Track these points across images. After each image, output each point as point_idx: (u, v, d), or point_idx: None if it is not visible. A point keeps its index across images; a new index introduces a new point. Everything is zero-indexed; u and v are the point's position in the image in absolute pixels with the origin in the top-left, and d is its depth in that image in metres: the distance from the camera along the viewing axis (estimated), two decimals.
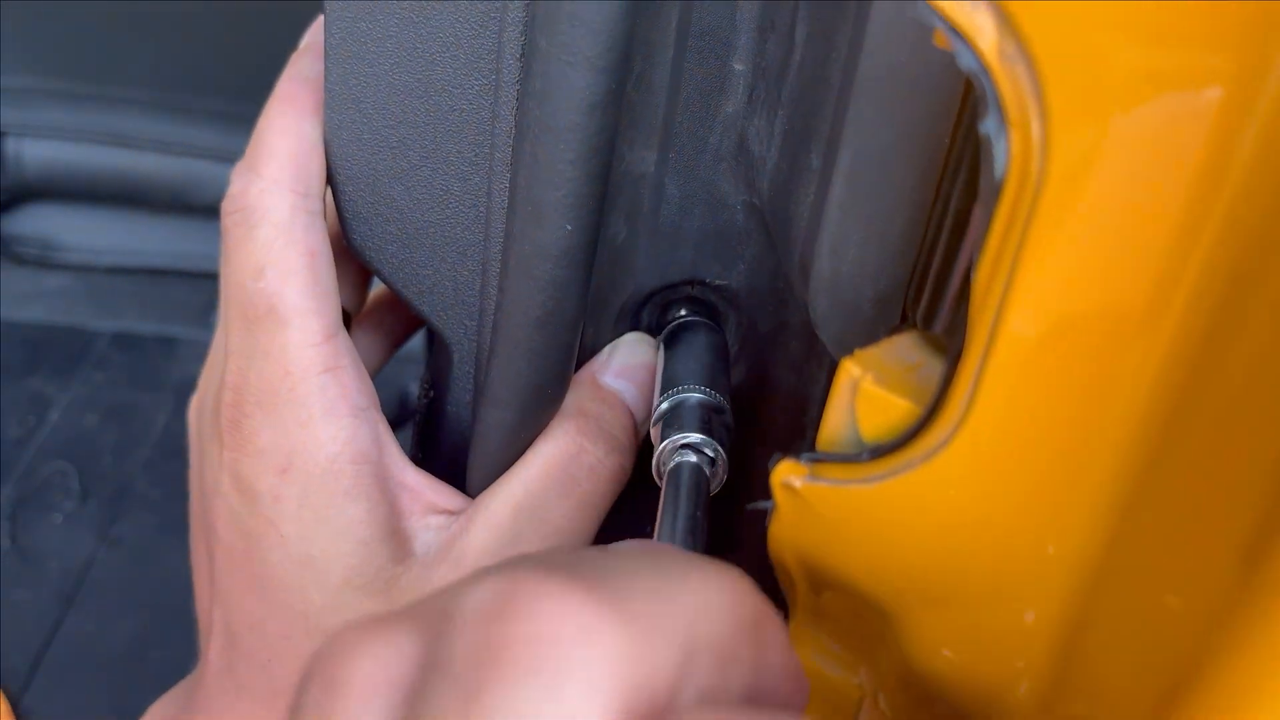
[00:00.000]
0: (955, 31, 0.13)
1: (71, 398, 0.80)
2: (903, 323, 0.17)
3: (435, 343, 0.29)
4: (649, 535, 0.22)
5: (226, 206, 0.25)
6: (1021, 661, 0.15)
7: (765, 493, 0.24)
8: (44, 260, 0.90)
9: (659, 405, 0.23)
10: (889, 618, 0.16)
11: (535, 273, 0.22)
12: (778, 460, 0.16)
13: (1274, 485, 0.11)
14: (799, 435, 0.26)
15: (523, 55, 0.22)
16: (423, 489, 0.25)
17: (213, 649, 0.26)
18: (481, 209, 0.25)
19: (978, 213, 0.14)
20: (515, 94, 0.23)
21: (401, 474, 0.25)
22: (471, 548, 0.23)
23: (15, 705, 0.59)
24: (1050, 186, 0.13)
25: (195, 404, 0.28)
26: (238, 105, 0.95)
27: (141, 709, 0.64)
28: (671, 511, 0.20)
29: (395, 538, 0.24)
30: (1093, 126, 0.12)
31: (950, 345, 0.14)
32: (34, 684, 0.61)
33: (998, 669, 0.15)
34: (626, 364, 0.26)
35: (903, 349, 0.16)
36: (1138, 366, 0.13)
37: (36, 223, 0.89)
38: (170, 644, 0.64)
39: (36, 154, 0.87)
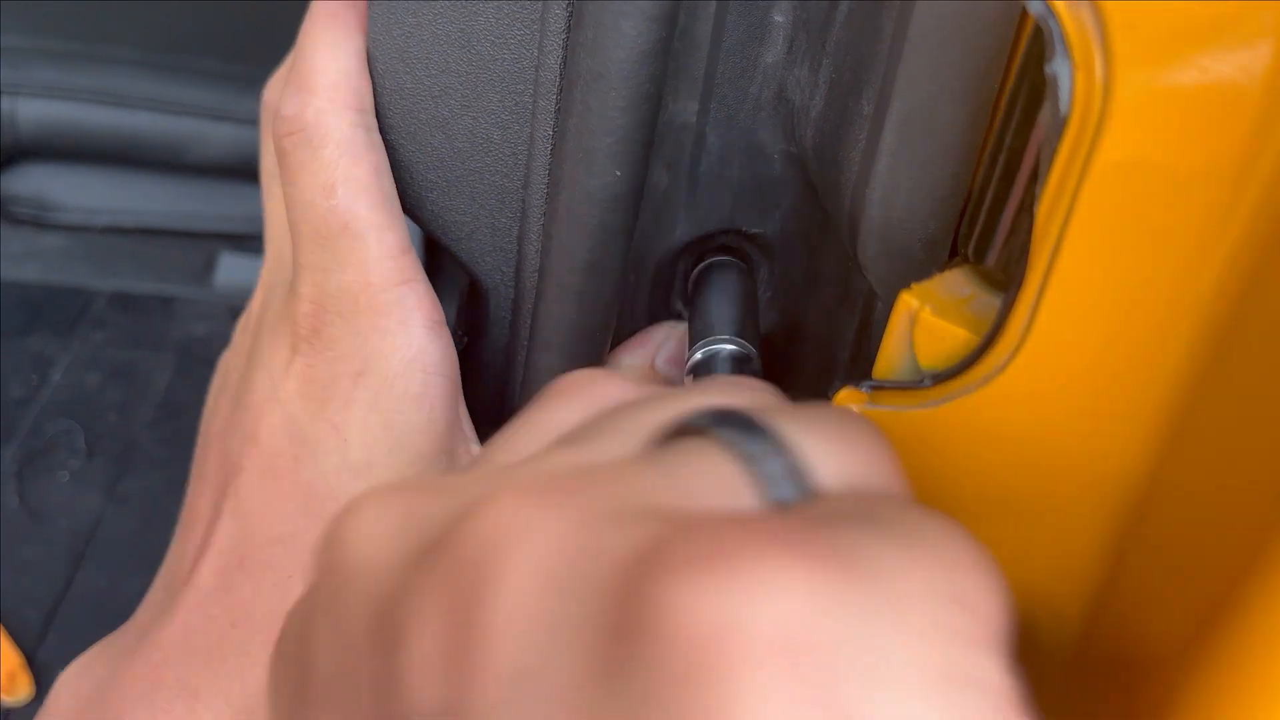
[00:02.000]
0: None
1: (72, 357, 0.80)
2: (952, 258, 0.18)
3: (471, 290, 0.30)
4: None
5: (282, 129, 0.25)
6: (1067, 580, 0.16)
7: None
8: (39, 220, 0.90)
9: (692, 356, 0.24)
10: None
11: (584, 218, 0.23)
12: (838, 388, 0.17)
13: None
14: (827, 378, 0.27)
15: (570, 5, 0.23)
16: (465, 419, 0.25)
17: (204, 571, 0.25)
18: (521, 156, 0.26)
19: (1037, 150, 0.15)
20: (561, 43, 0.23)
21: (462, 396, 0.25)
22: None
23: (30, 660, 0.60)
24: (1112, 123, 0.14)
25: (248, 320, 0.28)
26: (232, 64, 0.95)
27: None
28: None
29: (447, 457, 0.24)
30: (1153, 67, 0.13)
31: (1009, 277, 0.15)
32: (47, 640, 0.62)
33: (1045, 587, 0.17)
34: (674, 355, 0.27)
35: (955, 283, 0.17)
36: (1190, 296, 0.14)
37: (31, 182, 0.88)
38: None
39: (31, 113, 0.87)
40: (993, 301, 0.16)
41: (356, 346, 0.24)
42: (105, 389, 0.78)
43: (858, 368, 0.24)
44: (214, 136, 0.91)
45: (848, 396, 0.17)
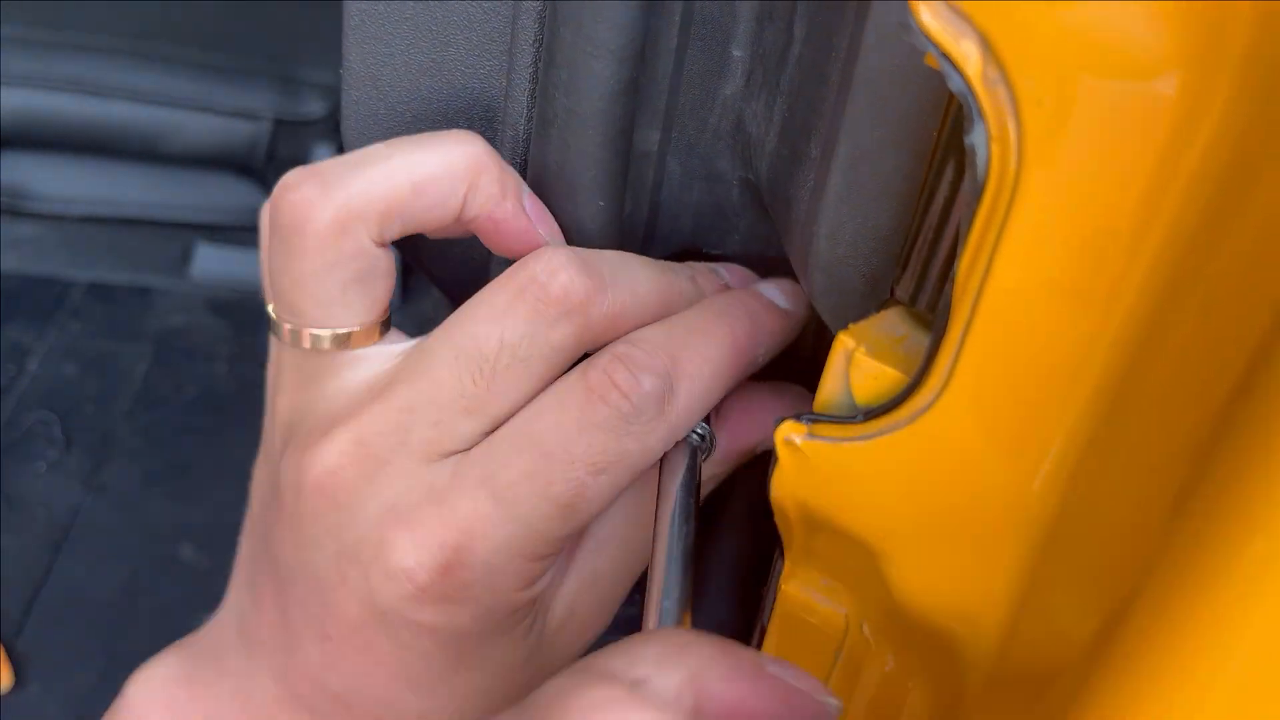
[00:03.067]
0: (945, 58, 0.15)
1: (49, 347, 0.81)
2: (890, 299, 0.19)
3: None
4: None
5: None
6: (986, 600, 0.18)
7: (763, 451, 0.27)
8: (16, 209, 0.90)
9: None
10: (876, 556, 0.18)
11: (573, 245, 0.24)
12: (780, 420, 0.19)
13: (1195, 450, 0.13)
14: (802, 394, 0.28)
15: (542, 47, 0.24)
16: None
17: (268, 595, 0.24)
18: None
19: (962, 208, 0.16)
20: (529, 75, 0.25)
21: None
22: None
23: (10, 650, 0.61)
24: (1024, 189, 0.15)
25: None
26: (209, 55, 0.95)
27: (133, 651, 0.67)
28: (672, 476, 0.22)
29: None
30: (1062, 140, 0.15)
31: (935, 322, 0.17)
32: (26, 629, 0.63)
33: (965, 606, 0.18)
34: None
35: (890, 323, 0.19)
36: (1097, 339, 0.16)
37: (8, 172, 0.88)
38: (159, 589, 0.66)
39: (8, 103, 0.86)
40: (924, 342, 0.18)
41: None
42: (83, 379, 0.79)
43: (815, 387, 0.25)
44: (191, 127, 0.91)
45: (789, 428, 0.18)
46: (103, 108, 0.93)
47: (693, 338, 0.22)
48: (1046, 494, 0.17)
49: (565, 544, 0.22)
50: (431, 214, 0.22)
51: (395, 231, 0.22)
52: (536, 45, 0.24)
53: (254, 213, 1.17)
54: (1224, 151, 0.13)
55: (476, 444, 0.21)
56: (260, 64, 0.98)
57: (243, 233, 0.96)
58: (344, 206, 0.21)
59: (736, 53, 0.25)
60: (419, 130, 0.26)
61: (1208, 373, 0.14)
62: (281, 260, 0.22)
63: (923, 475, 0.17)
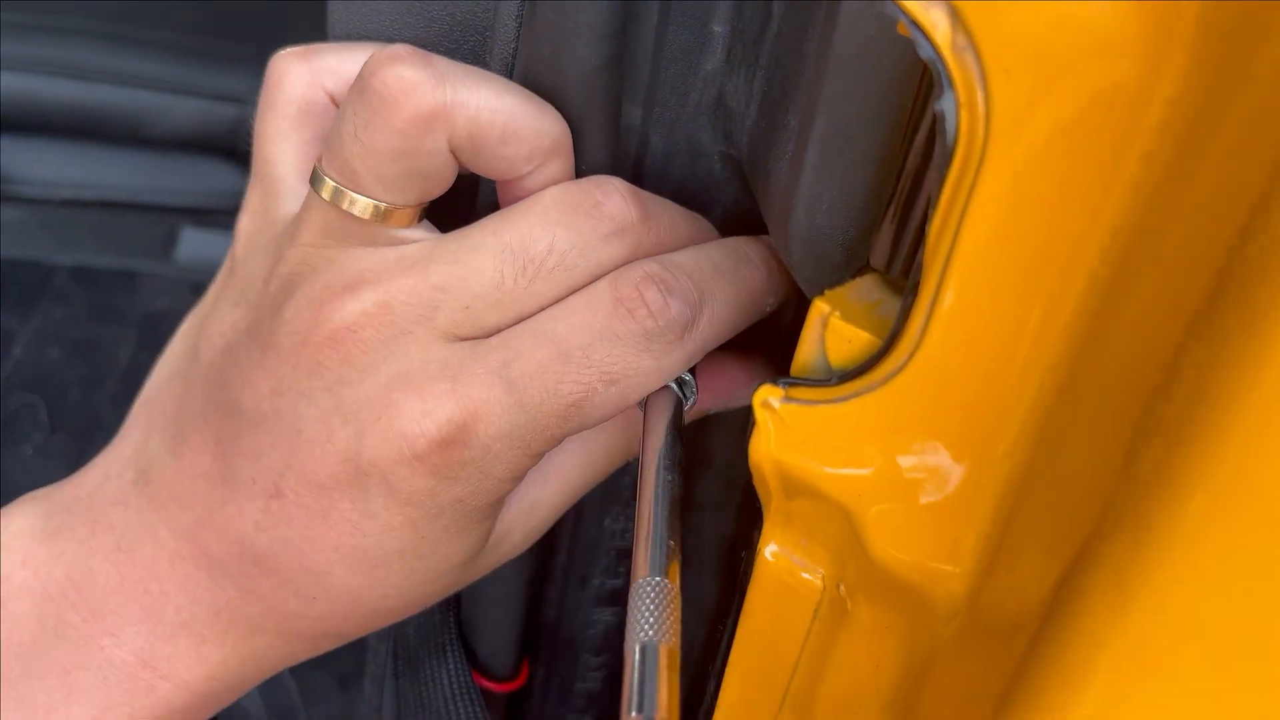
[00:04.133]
0: (915, 25, 0.15)
1: (34, 331, 0.81)
2: (865, 266, 0.20)
3: None
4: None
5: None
6: (957, 556, 0.18)
7: (742, 414, 0.27)
8: None
9: None
10: (850, 515, 0.19)
11: None
12: (758, 385, 0.19)
13: (1143, 411, 0.14)
14: (769, 362, 0.29)
15: (521, 22, 0.24)
16: None
17: (202, 444, 0.23)
18: None
19: (932, 174, 0.17)
20: (510, 52, 0.25)
21: None
22: None
23: None
24: (991, 154, 0.16)
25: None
26: (192, 38, 0.94)
27: None
28: (656, 430, 0.23)
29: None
30: (1026, 105, 0.15)
31: (907, 287, 0.17)
32: None
33: (938, 557, 0.19)
34: None
35: (865, 289, 0.19)
36: (1061, 299, 0.16)
37: None
38: None
39: (3, 86, 0.86)
40: (897, 307, 0.18)
41: None
42: (67, 364, 0.79)
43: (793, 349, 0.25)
44: (175, 110, 0.91)
45: (766, 392, 0.19)
46: (86, 91, 0.93)
47: (719, 275, 0.23)
48: (1012, 453, 0.17)
49: (556, 444, 0.23)
50: (501, 164, 0.23)
51: (466, 157, 0.23)
52: (518, 21, 0.25)
53: (237, 196, 1.17)
54: (1177, 122, 0.14)
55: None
56: (244, 48, 0.98)
57: (227, 216, 0.96)
58: (448, 106, 0.22)
59: (717, 28, 0.25)
60: None
61: (1159, 334, 0.14)
62: (360, 123, 0.22)
63: (894, 435, 0.18)
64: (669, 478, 0.21)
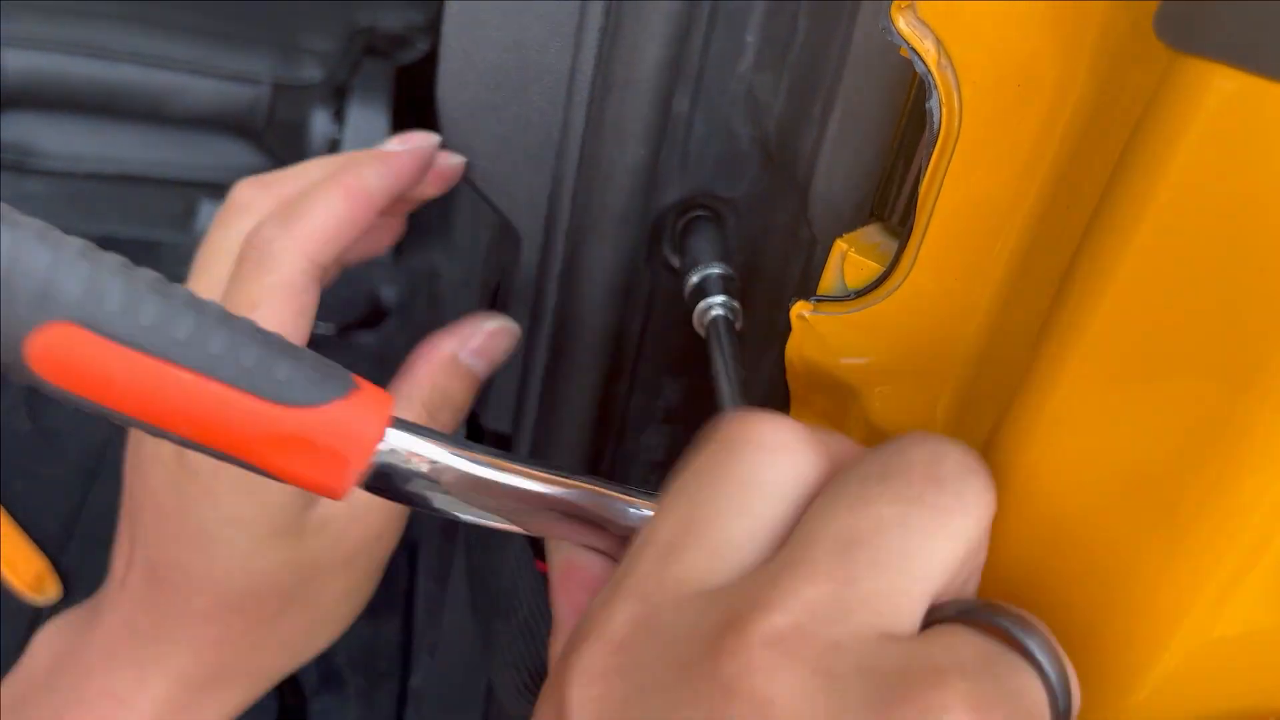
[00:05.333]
0: (913, 50, 0.23)
1: None
2: (870, 217, 0.28)
3: (503, 241, 0.38)
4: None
5: (250, 241, 0.29)
6: (933, 419, 0.26)
7: (757, 347, 0.35)
8: (22, 166, 0.94)
9: (690, 279, 0.33)
10: (857, 395, 0.27)
11: (618, 181, 0.31)
12: (794, 300, 0.27)
13: (1047, 309, 0.22)
14: (779, 301, 0.37)
15: (605, 33, 0.31)
16: None
17: (132, 578, 0.31)
18: (555, 135, 0.34)
19: (922, 151, 0.24)
20: (593, 55, 0.32)
21: None
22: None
23: (55, 564, 0.67)
24: (963, 138, 0.23)
25: None
26: (211, 20, 0.99)
27: None
28: (718, 348, 0.30)
29: (304, 493, 0.30)
30: (986, 105, 0.23)
31: (902, 231, 0.25)
32: (69, 548, 0.69)
33: (920, 425, 0.26)
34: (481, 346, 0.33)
35: (871, 233, 0.27)
36: (1007, 236, 0.24)
37: (14, 130, 0.92)
38: None
39: (15, 64, 0.90)
40: (894, 246, 0.26)
41: None
42: None
43: (803, 294, 0.33)
44: (194, 90, 0.96)
45: (800, 306, 0.26)
46: (109, 70, 0.98)
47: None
48: (972, 345, 0.25)
49: None
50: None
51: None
52: (600, 31, 0.32)
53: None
54: (1084, 112, 0.22)
55: None
56: (261, 30, 1.03)
57: None
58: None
59: (749, 38, 0.33)
60: (499, 93, 0.34)
61: (1065, 258, 0.22)
62: None
63: (891, 334, 0.25)
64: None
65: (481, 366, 0.32)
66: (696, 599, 0.17)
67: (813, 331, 0.26)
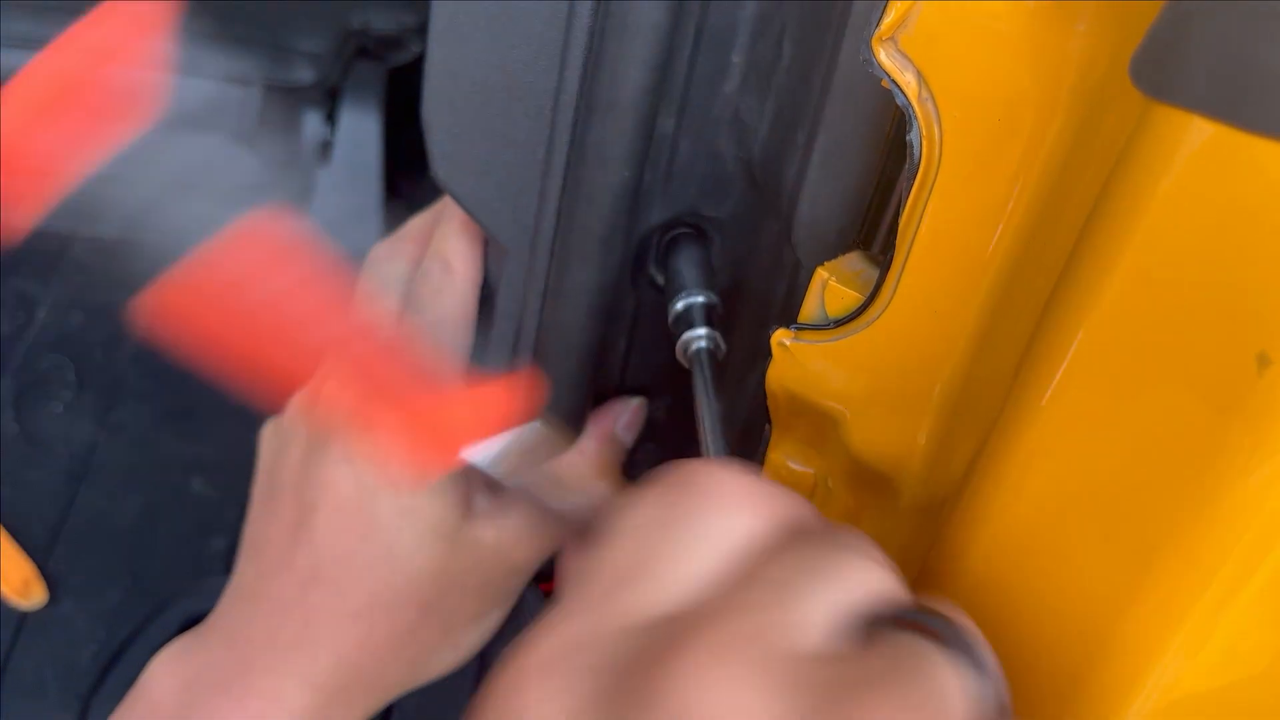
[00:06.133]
0: (894, 82, 0.23)
1: (56, 297, 0.86)
2: (852, 245, 0.28)
3: (489, 256, 0.38)
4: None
5: (427, 269, 0.37)
6: (912, 451, 0.26)
7: (741, 366, 0.35)
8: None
9: (675, 306, 0.33)
10: (838, 424, 0.27)
11: (602, 205, 0.31)
12: (775, 329, 0.27)
13: (1020, 352, 0.22)
14: (762, 322, 0.37)
15: (590, 54, 0.31)
16: None
17: (280, 586, 0.33)
18: (540, 154, 0.34)
19: (903, 181, 0.24)
20: (578, 75, 0.32)
21: None
22: (512, 517, 0.34)
23: (42, 570, 0.67)
24: (943, 170, 0.23)
25: (314, 404, 0.37)
26: (203, 21, 0.99)
27: (154, 574, 0.76)
28: (701, 380, 0.30)
29: (464, 500, 0.33)
30: (965, 139, 0.23)
31: (882, 260, 0.25)
32: (55, 552, 0.69)
33: (901, 454, 0.26)
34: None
35: (852, 261, 0.27)
36: (987, 269, 0.24)
37: None
38: (174, 518, 0.72)
39: (6, 64, 0.90)
40: (875, 275, 0.26)
41: None
42: (90, 327, 0.84)
43: (787, 314, 0.33)
44: (185, 90, 0.96)
45: (781, 334, 0.26)
46: None
47: None
48: (952, 375, 0.25)
49: None
50: None
51: None
52: (585, 52, 0.32)
53: (243, 174, 1.20)
54: (1060, 151, 0.22)
55: None
56: (251, 32, 1.03)
57: None
58: None
59: (735, 59, 0.33)
60: (485, 112, 0.34)
61: (1038, 298, 0.22)
62: None
63: (872, 364, 0.25)
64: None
65: (630, 438, 0.38)
66: (639, 627, 0.19)
67: (793, 359, 0.26)
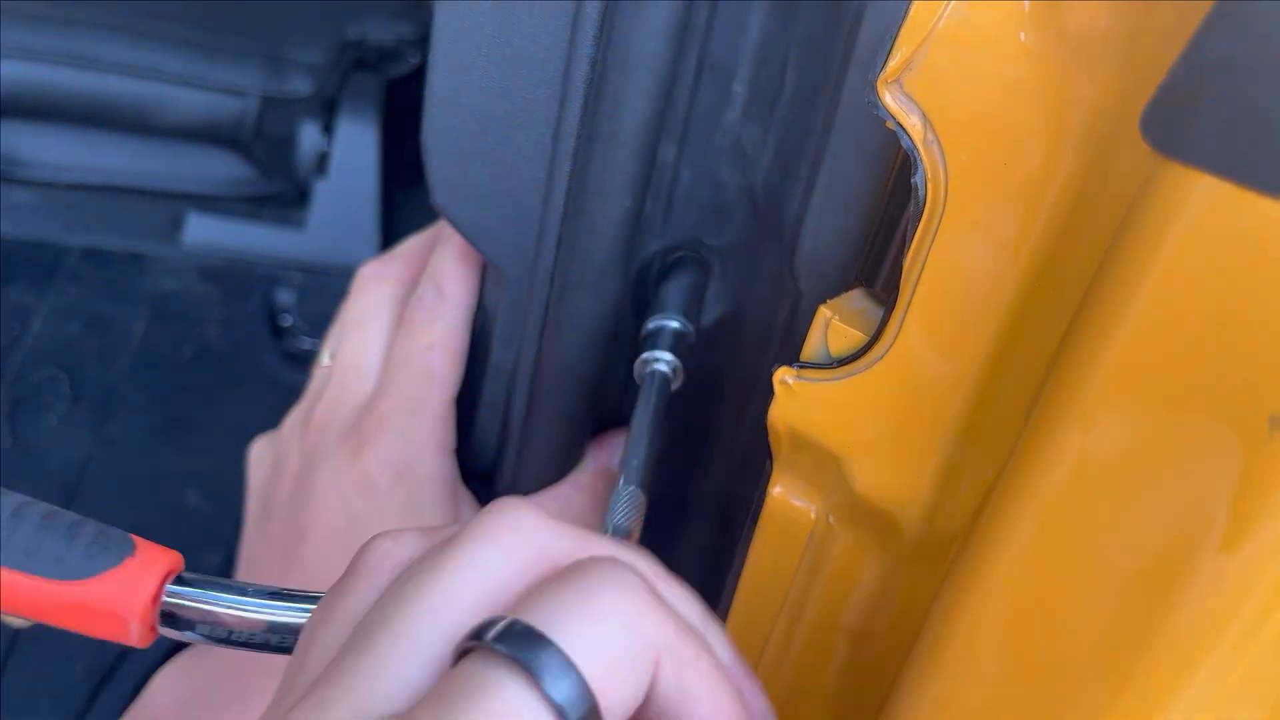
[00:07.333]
0: (899, 125, 0.22)
1: (51, 308, 0.85)
2: (855, 281, 0.27)
3: (488, 283, 0.38)
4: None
5: (421, 292, 0.37)
6: (918, 486, 0.26)
7: (741, 393, 0.35)
8: (9, 176, 0.93)
9: (646, 324, 0.33)
10: (840, 462, 0.26)
11: (603, 234, 0.31)
12: (777, 367, 0.26)
13: (1028, 399, 0.21)
14: (763, 351, 0.36)
15: (591, 84, 0.31)
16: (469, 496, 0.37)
17: None
18: (541, 183, 0.34)
19: (908, 222, 0.24)
20: (579, 105, 0.32)
21: (463, 488, 0.36)
22: None
23: None
24: (949, 212, 0.23)
25: (305, 420, 0.38)
26: (199, 33, 0.99)
27: None
28: (647, 402, 0.30)
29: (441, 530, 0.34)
30: (971, 182, 0.23)
31: (887, 299, 0.24)
32: None
33: (904, 492, 0.26)
34: None
35: (855, 299, 0.27)
36: (993, 312, 0.24)
37: (2, 140, 0.91)
38: (169, 531, 0.72)
39: (3, 74, 0.90)
40: (879, 313, 0.26)
41: (403, 455, 0.34)
42: (85, 339, 0.84)
43: (788, 345, 0.33)
44: (181, 102, 0.96)
45: (784, 371, 0.26)
46: (96, 81, 0.97)
47: None
48: (957, 417, 0.25)
49: None
50: None
51: None
52: (587, 82, 0.31)
53: (241, 185, 1.21)
54: (1067, 198, 0.21)
55: None
56: (249, 43, 1.03)
57: (229, 203, 1.02)
58: None
59: (737, 89, 0.33)
60: (486, 139, 0.34)
61: (1045, 346, 0.22)
62: None
63: (875, 404, 0.25)
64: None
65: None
66: None
67: (795, 397, 0.26)
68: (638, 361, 0.33)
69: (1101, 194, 0.21)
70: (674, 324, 0.33)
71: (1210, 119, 0.16)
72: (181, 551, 0.77)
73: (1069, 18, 0.20)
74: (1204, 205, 0.16)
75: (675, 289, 0.34)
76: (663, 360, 0.32)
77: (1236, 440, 0.16)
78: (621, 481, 0.29)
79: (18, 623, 0.65)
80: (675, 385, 0.32)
